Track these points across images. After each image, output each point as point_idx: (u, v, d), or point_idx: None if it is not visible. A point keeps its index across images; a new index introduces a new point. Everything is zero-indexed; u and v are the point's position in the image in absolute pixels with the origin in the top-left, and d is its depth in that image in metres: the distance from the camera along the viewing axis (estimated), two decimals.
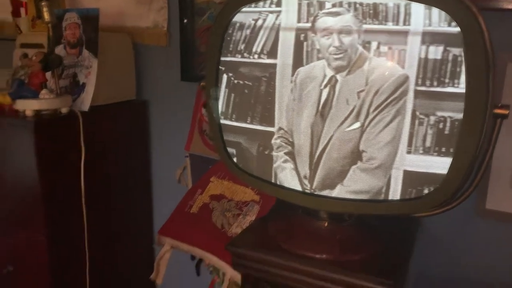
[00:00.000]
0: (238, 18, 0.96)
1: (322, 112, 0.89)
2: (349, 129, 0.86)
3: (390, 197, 0.87)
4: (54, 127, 1.29)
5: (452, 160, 0.79)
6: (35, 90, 1.27)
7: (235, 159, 1.05)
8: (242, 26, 0.96)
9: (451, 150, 0.80)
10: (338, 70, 0.86)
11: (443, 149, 0.81)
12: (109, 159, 1.47)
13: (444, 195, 0.82)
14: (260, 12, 0.93)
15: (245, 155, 1.03)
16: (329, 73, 0.87)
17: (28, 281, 1.38)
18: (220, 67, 0.99)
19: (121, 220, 1.57)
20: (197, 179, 1.55)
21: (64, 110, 1.32)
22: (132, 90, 1.61)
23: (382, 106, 0.83)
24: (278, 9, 0.91)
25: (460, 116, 0.78)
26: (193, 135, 1.53)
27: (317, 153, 0.93)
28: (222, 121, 1.03)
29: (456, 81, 0.78)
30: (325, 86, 0.88)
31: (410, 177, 0.85)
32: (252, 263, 1.01)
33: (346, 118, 0.86)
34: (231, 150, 1.05)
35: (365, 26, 0.82)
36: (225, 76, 1.00)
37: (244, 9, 0.95)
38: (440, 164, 0.81)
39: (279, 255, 0.98)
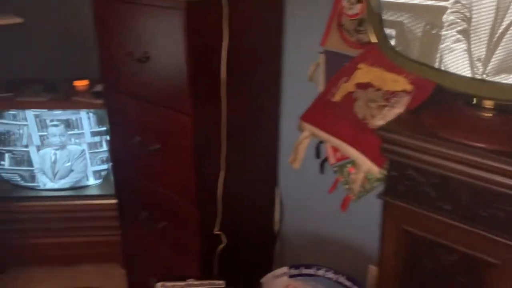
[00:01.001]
0: None
1: None
2: None
3: None
4: (202, 10, 1.31)
5: None
6: None
7: (392, 42, 0.99)
8: None
9: None
10: None
11: None
12: (244, 48, 1.48)
13: None
14: None
15: (406, 36, 0.96)
16: None
17: (172, 160, 1.51)
18: None
19: (249, 111, 1.61)
20: (330, 77, 1.52)
21: None
22: None
23: None
24: None
25: None
26: (330, 29, 1.47)
27: (500, 31, 0.84)
28: None
29: None
30: None
31: None
32: (403, 149, 0.99)
33: None
34: (389, 31, 0.99)
35: None
36: None
37: None
38: None
39: (437, 143, 0.93)
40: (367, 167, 1.15)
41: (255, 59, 1.56)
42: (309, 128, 1.24)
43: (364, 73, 1.19)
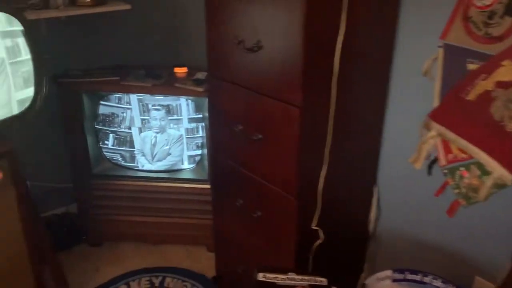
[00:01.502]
0: None
1: None
2: None
3: None
4: (322, 0, 1.28)
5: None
6: None
7: None
8: None
9: None
10: None
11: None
12: (357, 40, 1.42)
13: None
14: None
15: None
16: None
17: (274, 150, 1.50)
18: None
19: (355, 105, 1.55)
20: (449, 74, 1.42)
21: None
22: None
23: None
24: None
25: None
26: (453, 21, 1.37)
27: None
28: None
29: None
30: None
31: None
32: None
33: None
34: None
35: None
36: None
37: None
38: None
39: None
40: (498, 173, 1.06)
41: (367, 51, 1.50)
42: (437, 128, 1.16)
43: (508, 71, 1.09)
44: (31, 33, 1.64)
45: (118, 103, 2.14)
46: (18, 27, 1.60)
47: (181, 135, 2.16)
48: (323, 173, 1.49)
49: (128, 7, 2.16)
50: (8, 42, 1.59)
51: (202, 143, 2.17)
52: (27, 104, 1.71)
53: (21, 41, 1.63)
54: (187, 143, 2.19)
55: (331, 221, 1.61)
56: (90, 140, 2.18)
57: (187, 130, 2.16)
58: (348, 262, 1.84)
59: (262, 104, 1.49)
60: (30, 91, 1.70)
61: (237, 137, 1.63)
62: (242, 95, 1.56)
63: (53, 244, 1.96)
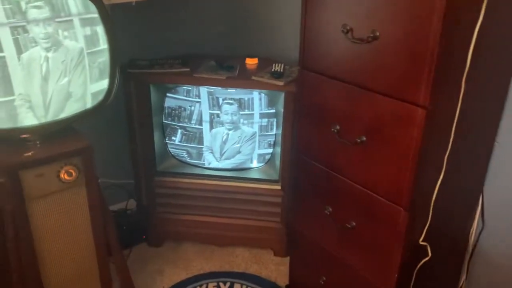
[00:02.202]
0: None
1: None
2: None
3: None
4: None
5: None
6: None
7: None
8: None
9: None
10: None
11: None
12: (494, 27, 1.23)
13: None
14: None
15: None
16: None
17: (382, 154, 1.32)
18: None
19: (477, 106, 1.37)
20: None
21: None
22: None
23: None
24: None
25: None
26: None
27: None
28: None
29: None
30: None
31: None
32: None
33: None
34: None
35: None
36: None
37: None
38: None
39: None
40: None
41: (502, 41, 1.30)
42: None
43: None
44: (110, 20, 1.51)
45: (186, 96, 2.00)
46: (95, 13, 1.47)
47: (254, 133, 2.01)
48: (438, 182, 1.31)
49: None
50: (88, 30, 1.46)
51: (274, 141, 2.02)
52: (100, 97, 1.58)
53: (100, 30, 1.49)
54: (259, 141, 2.03)
55: (436, 235, 1.43)
56: (156, 135, 2.05)
57: (260, 127, 2.00)
58: (445, 279, 1.67)
59: (370, 102, 1.32)
60: (103, 83, 1.57)
61: (332, 138, 1.46)
62: (344, 92, 1.39)
63: (120, 242, 1.84)
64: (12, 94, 1.37)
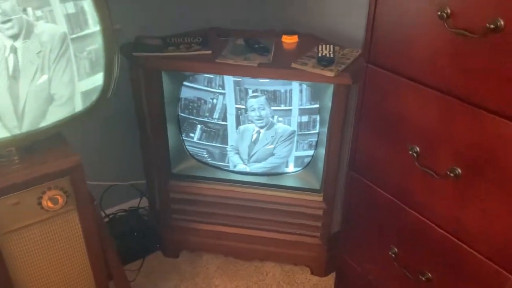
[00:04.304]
0: None
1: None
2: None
3: None
4: None
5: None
6: None
7: None
8: None
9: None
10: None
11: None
12: None
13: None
14: None
15: None
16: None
17: (493, 196, 0.91)
18: None
19: None
20: None
21: None
22: None
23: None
24: None
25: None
26: None
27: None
28: None
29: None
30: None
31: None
32: None
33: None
34: None
35: None
36: None
37: None
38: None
39: None
40: None
41: None
42: None
43: None
44: None
45: (207, 86, 1.59)
46: None
47: (293, 132, 1.60)
48: None
49: None
50: (70, 7, 1.05)
51: (317, 142, 1.61)
52: (93, 96, 1.19)
53: (87, 5, 1.08)
54: (297, 141, 1.63)
55: None
56: (171, 130, 1.67)
57: (299, 124, 1.59)
58: None
59: (476, 123, 0.90)
60: (97, 79, 1.18)
61: (407, 162, 1.06)
62: (434, 103, 0.96)
63: (119, 259, 1.52)
64: None
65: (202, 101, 1.62)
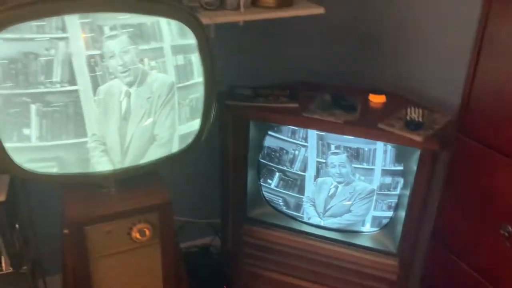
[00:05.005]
0: None
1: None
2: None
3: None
4: None
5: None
6: None
7: None
8: None
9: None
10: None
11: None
12: None
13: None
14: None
15: None
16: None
17: None
18: None
19: None
20: None
21: None
22: None
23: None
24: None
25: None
26: None
27: None
28: None
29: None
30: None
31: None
32: None
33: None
34: None
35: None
36: None
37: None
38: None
39: None
40: None
41: None
42: None
43: None
44: (209, 47, 1.20)
45: (290, 137, 1.64)
46: (191, 39, 1.16)
47: (372, 191, 1.58)
48: None
49: (321, 10, 1.63)
50: (180, 59, 1.16)
51: (397, 204, 1.58)
52: (189, 140, 1.28)
53: (195, 58, 1.19)
54: (376, 201, 1.61)
55: None
56: (250, 174, 1.73)
57: (381, 184, 1.57)
58: None
59: None
60: (194, 124, 1.27)
61: (498, 242, 1.01)
62: None
63: None
64: (85, 135, 1.12)
65: (284, 151, 1.67)
